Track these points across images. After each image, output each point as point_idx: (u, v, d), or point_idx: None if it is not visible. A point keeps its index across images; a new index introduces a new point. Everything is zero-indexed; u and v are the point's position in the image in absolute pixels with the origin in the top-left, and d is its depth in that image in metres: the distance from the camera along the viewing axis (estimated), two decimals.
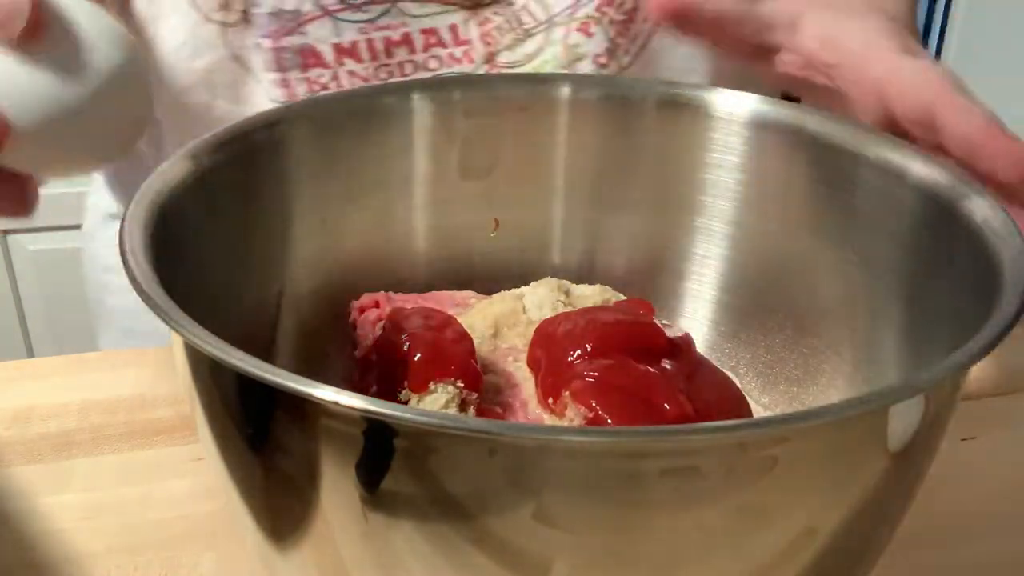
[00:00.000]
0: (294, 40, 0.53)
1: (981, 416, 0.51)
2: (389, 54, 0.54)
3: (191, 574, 0.41)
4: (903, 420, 0.28)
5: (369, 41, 0.54)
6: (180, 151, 0.37)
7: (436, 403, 0.36)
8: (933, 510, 0.42)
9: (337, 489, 0.27)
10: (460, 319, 0.41)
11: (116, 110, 0.35)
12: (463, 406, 0.36)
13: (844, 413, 0.26)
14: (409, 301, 0.43)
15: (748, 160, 0.44)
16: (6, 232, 1.46)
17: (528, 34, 0.55)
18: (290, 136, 0.42)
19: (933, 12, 2.74)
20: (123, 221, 0.33)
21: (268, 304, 0.42)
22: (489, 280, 0.46)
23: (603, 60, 0.56)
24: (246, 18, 0.53)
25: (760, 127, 0.43)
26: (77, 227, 1.53)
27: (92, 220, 0.74)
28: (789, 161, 0.43)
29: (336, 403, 0.24)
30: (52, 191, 0.72)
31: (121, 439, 0.49)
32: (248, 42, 0.54)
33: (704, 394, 0.37)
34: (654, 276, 0.47)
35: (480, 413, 0.37)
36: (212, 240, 0.38)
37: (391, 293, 0.44)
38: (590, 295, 0.44)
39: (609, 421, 0.34)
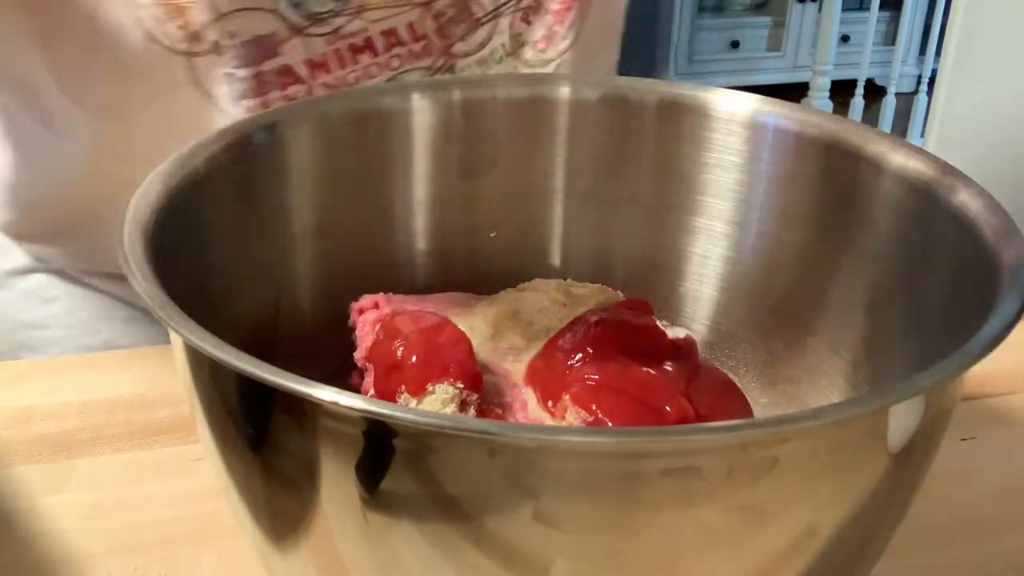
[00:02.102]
0: (274, 63, 0.54)
1: (981, 416, 0.51)
2: (355, 60, 0.56)
3: (191, 574, 0.41)
4: (903, 420, 0.28)
5: (336, 51, 0.55)
6: (179, 151, 0.37)
7: (436, 404, 0.36)
8: (933, 510, 0.42)
9: (337, 489, 0.27)
10: (460, 320, 0.41)
11: None
12: (463, 407, 0.36)
13: (844, 413, 0.26)
14: (408, 302, 0.43)
15: (748, 160, 0.44)
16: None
17: (478, 23, 0.57)
18: (290, 136, 0.42)
19: (933, 12, 2.74)
20: (123, 221, 0.33)
21: (268, 304, 0.42)
22: (489, 280, 0.46)
23: (542, 46, 0.60)
24: (216, 49, 0.53)
25: (760, 127, 0.43)
26: None
27: None
28: (789, 161, 0.43)
29: (336, 403, 0.24)
30: None
31: (121, 439, 0.49)
32: (216, 72, 0.54)
33: (705, 396, 0.37)
34: (654, 276, 0.47)
35: (480, 413, 0.37)
36: (212, 240, 0.38)
37: (390, 294, 0.44)
38: (590, 295, 0.44)
39: (610, 425, 0.34)
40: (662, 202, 0.46)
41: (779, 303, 0.44)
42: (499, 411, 0.37)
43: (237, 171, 0.40)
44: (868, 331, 0.40)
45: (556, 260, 0.48)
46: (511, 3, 0.57)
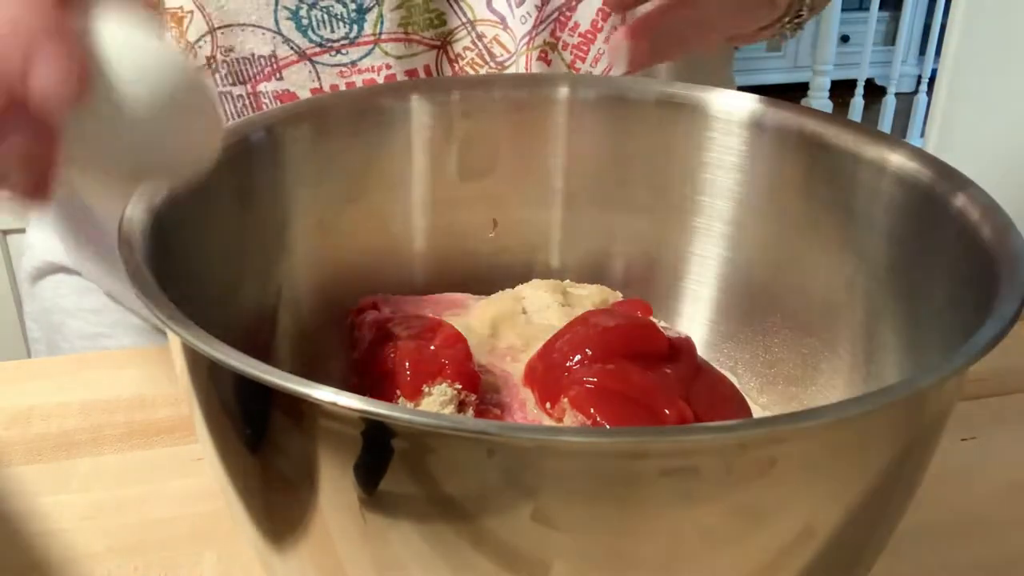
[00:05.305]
0: (272, 86, 0.52)
1: (981, 416, 0.51)
2: None
3: (191, 574, 0.41)
4: (903, 420, 0.28)
5: (349, 85, 0.53)
6: None
7: (434, 404, 0.36)
8: (933, 510, 0.42)
9: (335, 490, 0.27)
10: (458, 320, 0.41)
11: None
12: (461, 407, 0.36)
13: (843, 413, 0.26)
14: (407, 303, 0.43)
15: (746, 160, 0.44)
16: (6, 232, 1.46)
17: (502, 67, 0.54)
18: (289, 137, 0.42)
19: (933, 12, 2.74)
20: (121, 222, 0.33)
21: (267, 305, 0.42)
22: (488, 280, 0.46)
23: None
24: (210, 64, 0.52)
25: (758, 127, 0.43)
26: None
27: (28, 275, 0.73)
28: (787, 161, 0.43)
29: (334, 404, 0.24)
30: None
31: (121, 439, 0.49)
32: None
33: (704, 398, 0.37)
34: (652, 276, 0.47)
35: (478, 414, 0.37)
36: (211, 241, 0.38)
37: (389, 295, 0.44)
38: (588, 295, 0.44)
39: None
40: (661, 202, 0.46)
41: (777, 303, 0.44)
42: (497, 411, 0.37)
43: (236, 172, 0.40)
44: (868, 331, 0.40)
45: (555, 260, 0.48)
46: (524, 40, 0.54)
